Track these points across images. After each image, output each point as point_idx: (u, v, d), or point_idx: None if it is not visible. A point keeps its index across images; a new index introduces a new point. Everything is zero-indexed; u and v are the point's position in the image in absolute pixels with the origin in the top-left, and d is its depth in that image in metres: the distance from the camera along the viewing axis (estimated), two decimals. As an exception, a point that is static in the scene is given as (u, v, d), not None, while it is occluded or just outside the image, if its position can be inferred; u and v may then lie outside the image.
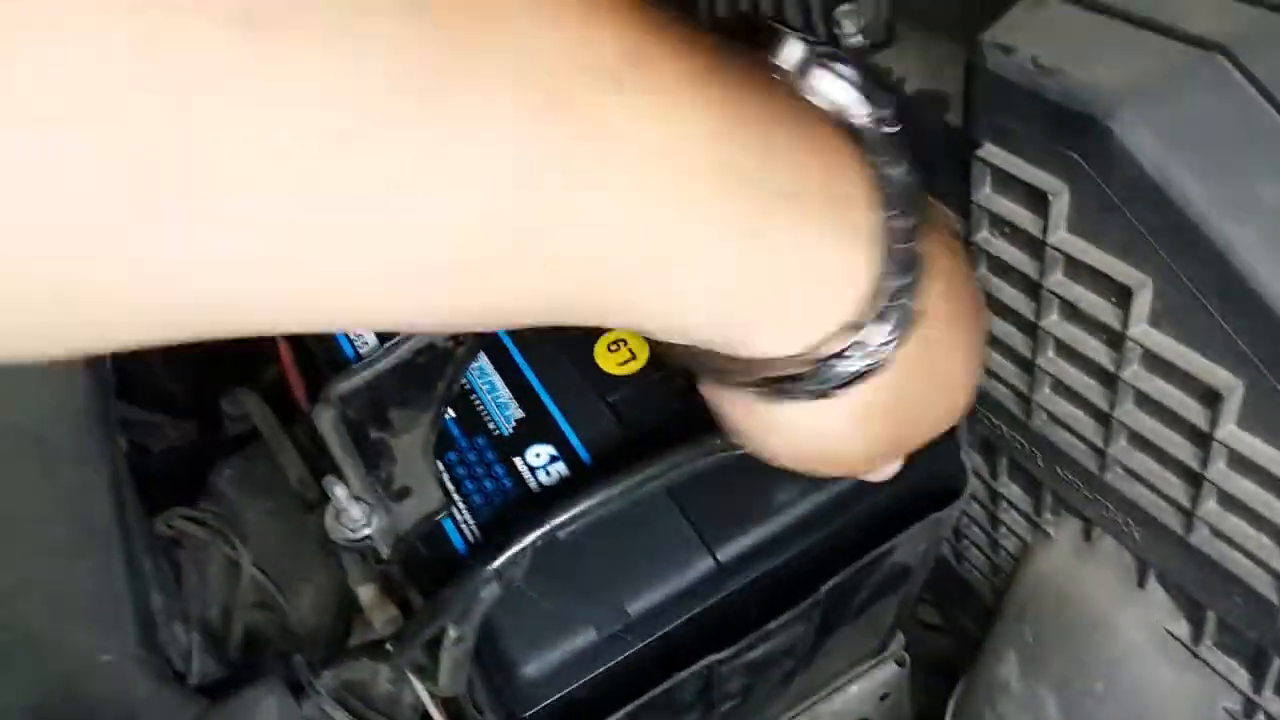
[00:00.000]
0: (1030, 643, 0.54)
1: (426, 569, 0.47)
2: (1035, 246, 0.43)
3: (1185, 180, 0.36)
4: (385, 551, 0.47)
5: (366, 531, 0.48)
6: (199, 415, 0.81)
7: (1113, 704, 0.50)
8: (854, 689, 0.70)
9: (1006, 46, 0.40)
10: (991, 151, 0.43)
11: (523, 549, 0.42)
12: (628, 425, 0.50)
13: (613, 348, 0.53)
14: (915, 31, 0.53)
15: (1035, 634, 0.54)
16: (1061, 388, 0.46)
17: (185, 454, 0.73)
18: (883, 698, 0.71)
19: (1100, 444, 0.45)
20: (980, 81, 0.42)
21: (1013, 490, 0.55)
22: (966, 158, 0.44)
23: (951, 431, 0.51)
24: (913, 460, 0.37)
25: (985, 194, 0.44)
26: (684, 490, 0.46)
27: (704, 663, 0.45)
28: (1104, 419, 0.44)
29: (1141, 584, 0.49)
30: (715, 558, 0.46)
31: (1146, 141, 0.36)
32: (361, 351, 0.53)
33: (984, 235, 0.46)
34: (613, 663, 0.45)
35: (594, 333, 0.53)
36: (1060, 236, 0.42)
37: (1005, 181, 0.43)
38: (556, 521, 0.42)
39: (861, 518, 0.49)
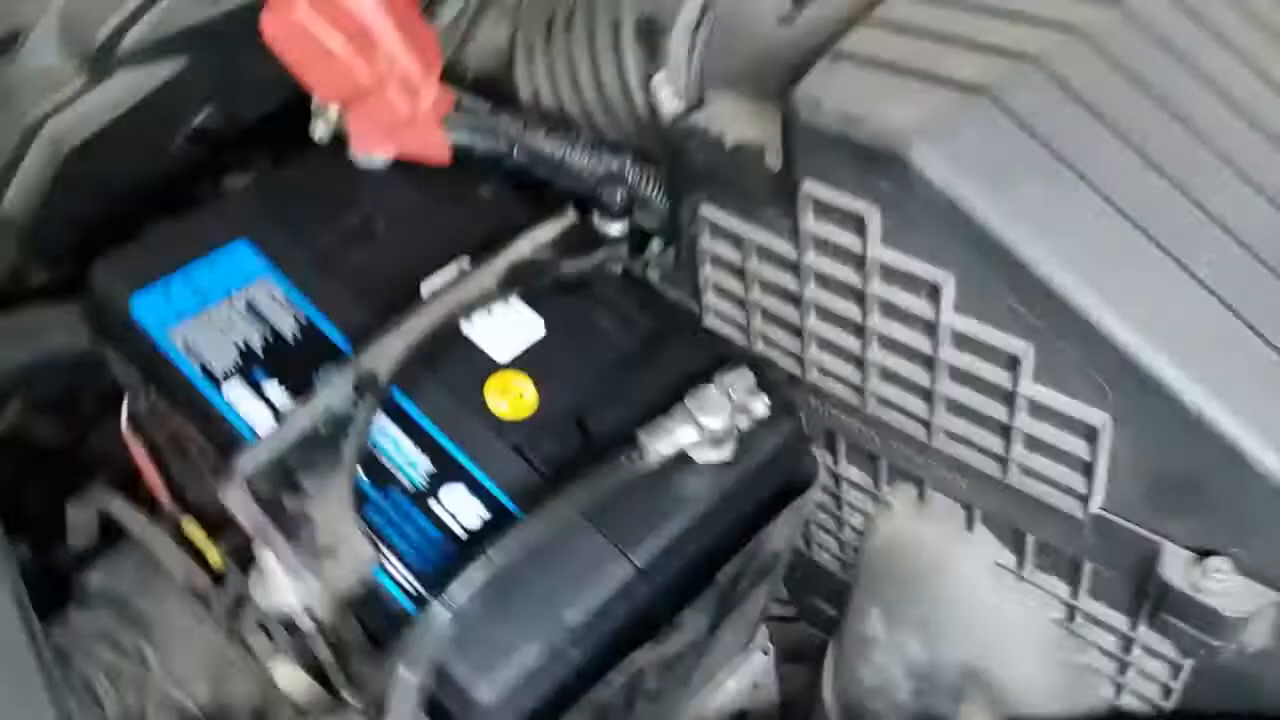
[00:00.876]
0: (888, 597, 0.63)
1: (367, 622, 0.50)
2: (857, 261, 0.52)
3: (970, 194, 0.46)
4: (318, 613, 0.49)
5: (293, 597, 0.50)
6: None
7: (964, 633, 0.60)
8: (730, 684, 0.77)
9: (816, 100, 0.50)
10: (812, 187, 0.52)
11: (471, 581, 0.46)
12: (533, 462, 0.55)
13: (502, 394, 0.58)
14: (723, 92, 0.62)
15: (890, 589, 0.63)
16: (889, 374, 0.56)
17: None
18: (754, 687, 0.79)
19: (926, 416, 0.55)
20: (796, 131, 0.51)
21: (852, 471, 0.64)
22: (791, 193, 0.53)
23: (800, 433, 0.60)
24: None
25: (810, 222, 0.53)
26: (593, 509, 0.52)
27: (634, 659, 0.51)
28: (927, 395, 0.54)
29: (970, 527, 0.59)
30: (634, 564, 0.51)
31: (937, 168, 0.46)
32: (258, 429, 0.55)
33: (810, 257, 0.55)
34: (561, 675, 0.49)
35: (480, 380, 0.58)
36: (877, 250, 0.51)
37: (826, 210, 0.52)
38: (500, 550, 0.47)
39: (741, 513, 0.57)
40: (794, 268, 0.57)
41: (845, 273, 0.54)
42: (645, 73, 0.66)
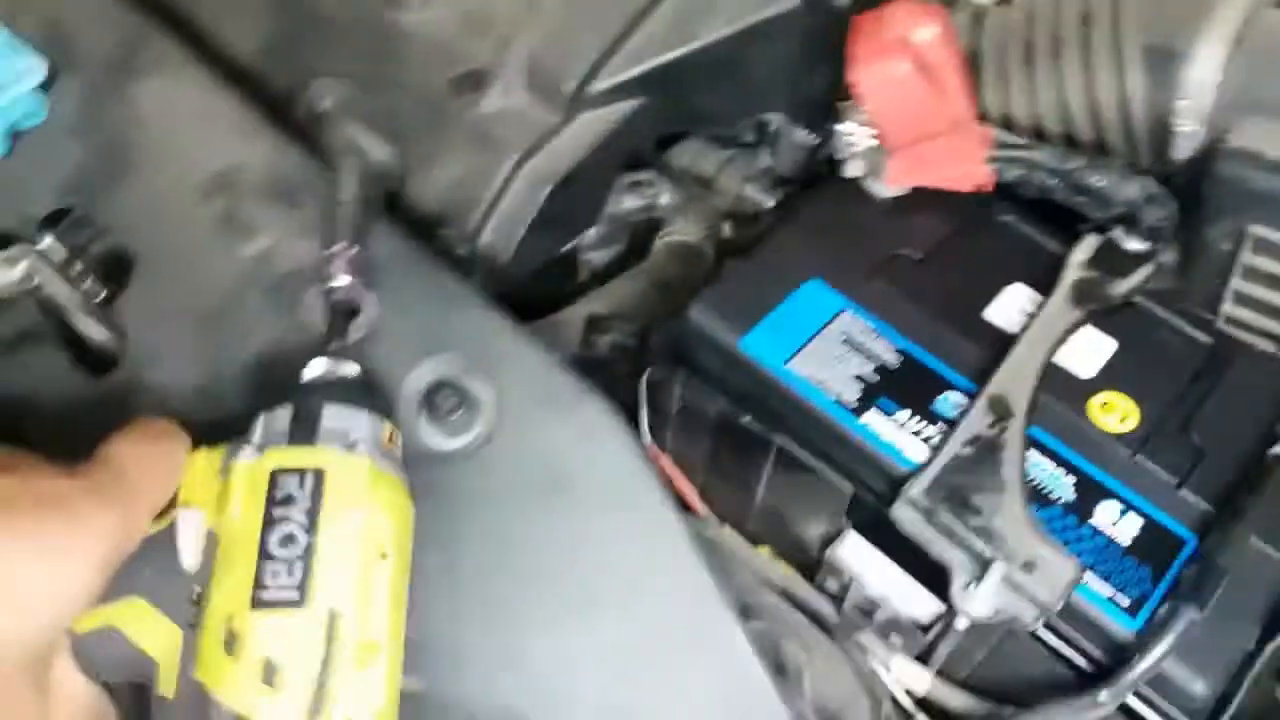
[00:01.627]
0: None
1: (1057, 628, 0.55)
2: None
3: None
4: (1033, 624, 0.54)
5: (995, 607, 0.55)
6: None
7: None
8: None
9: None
10: None
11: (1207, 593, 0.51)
12: (1162, 473, 0.59)
13: (1104, 406, 0.62)
14: (1257, 119, 0.66)
15: None
16: None
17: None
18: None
19: None
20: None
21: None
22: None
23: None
24: None
25: None
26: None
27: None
28: None
29: None
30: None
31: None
32: (906, 453, 0.60)
33: None
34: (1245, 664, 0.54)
35: (1081, 402, 0.63)
36: None
37: None
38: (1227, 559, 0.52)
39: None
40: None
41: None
42: (1153, 101, 0.70)
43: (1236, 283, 0.68)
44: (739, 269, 0.68)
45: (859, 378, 0.63)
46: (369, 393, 0.51)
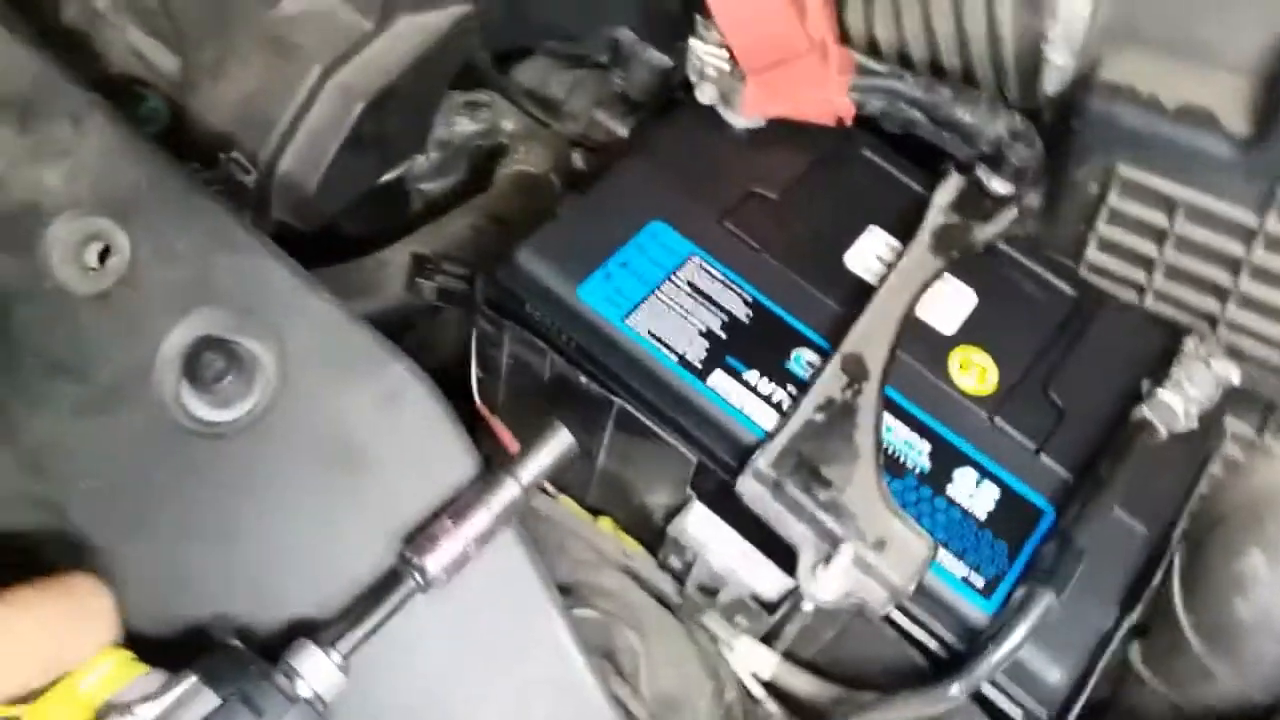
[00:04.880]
0: (1270, 537, 0.67)
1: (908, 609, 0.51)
2: None
3: None
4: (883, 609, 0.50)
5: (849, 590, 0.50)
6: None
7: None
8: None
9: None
10: None
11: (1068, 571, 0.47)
12: (1021, 438, 0.55)
13: (963, 366, 0.58)
14: (1131, 50, 0.61)
15: (1273, 529, 0.67)
16: None
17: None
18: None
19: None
20: None
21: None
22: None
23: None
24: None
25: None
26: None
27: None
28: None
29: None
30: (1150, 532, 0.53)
31: None
32: (755, 419, 0.54)
33: (1274, 223, 0.56)
34: (1101, 649, 0.51)
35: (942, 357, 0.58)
36: None
37: None
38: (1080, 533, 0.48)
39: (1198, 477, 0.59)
40: (1245, 233, 0.58)
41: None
42: (1025, 26, 0.64)
43: (1102, 227, 0.64)
44: (575, 206, 0.60)
45: (706, 333, 0.56)
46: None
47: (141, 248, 0.49)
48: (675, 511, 0.59)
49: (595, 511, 0.65)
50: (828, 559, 0.50)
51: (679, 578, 0.59)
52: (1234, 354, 0.63)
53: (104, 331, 0.49)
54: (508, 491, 0.47)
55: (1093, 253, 0.65)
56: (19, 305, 0.49)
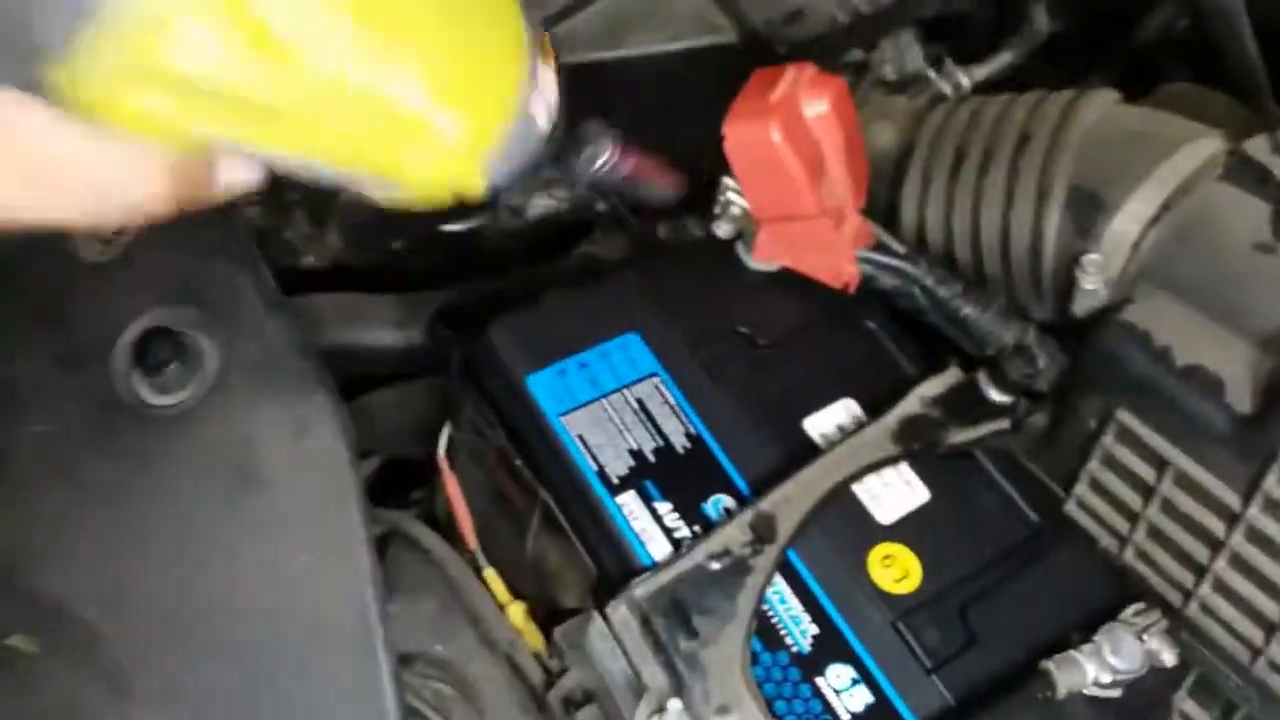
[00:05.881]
0: None
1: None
2: None
3: None
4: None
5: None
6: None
7: None
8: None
9: None
10: None
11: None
12: (916, 650, 0.53)
13: (886, 560, 0.56)
14: (1161, 296, 0.58)
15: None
16: None
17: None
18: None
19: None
20: None
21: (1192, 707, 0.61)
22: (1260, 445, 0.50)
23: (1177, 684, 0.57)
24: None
25: (1275, 484, 0.50)
26: None
27: None
28: None
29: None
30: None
31: None
32: (650, 549, 0.54)
33: (1256, 513, 0.52)
34: None
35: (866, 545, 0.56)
36: None
37: None
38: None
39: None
40: (1228, 515, 0.53)
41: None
42: (1067, 246, 0.63)
43: (1094, 466, 0.61)
44: (561, 299, 0.62)
45: (635, 452, 0.57)
46: None
47: (148, 232, 0.55)
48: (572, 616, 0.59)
49: (518, 594, 0.66)
50: (661, 709, 0.49)
51: (549, 682, 0.59)
52: (1200, 639, 0.58)
53: (95, 297, 0.55)
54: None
55: (1082, 489, 0.62)
56: (35, 257, 0.55)
